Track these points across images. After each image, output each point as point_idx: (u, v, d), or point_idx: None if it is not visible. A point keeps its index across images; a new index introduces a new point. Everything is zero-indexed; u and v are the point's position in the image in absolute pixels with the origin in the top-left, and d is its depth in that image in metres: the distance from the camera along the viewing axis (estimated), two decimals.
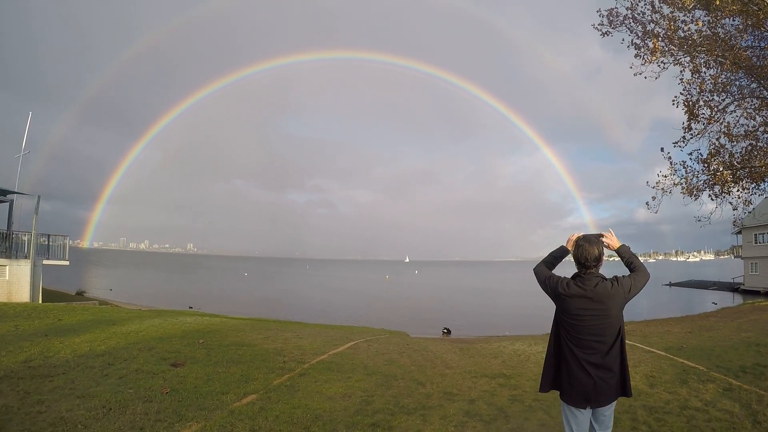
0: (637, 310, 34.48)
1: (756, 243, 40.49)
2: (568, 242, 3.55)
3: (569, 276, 3.39)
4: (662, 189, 16.67)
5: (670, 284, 59.15)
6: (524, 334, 19.94)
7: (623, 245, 3.45)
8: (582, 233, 3.47)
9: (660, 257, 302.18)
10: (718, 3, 12.98)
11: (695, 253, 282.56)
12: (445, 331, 22.33)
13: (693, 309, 32.76)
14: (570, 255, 3.54)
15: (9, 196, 21.42)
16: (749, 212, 16.99)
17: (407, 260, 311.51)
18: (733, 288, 45.50)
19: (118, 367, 6.89)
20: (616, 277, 3.24)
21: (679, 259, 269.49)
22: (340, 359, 8.07)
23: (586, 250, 3.26)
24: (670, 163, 16.46)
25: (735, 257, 47.20)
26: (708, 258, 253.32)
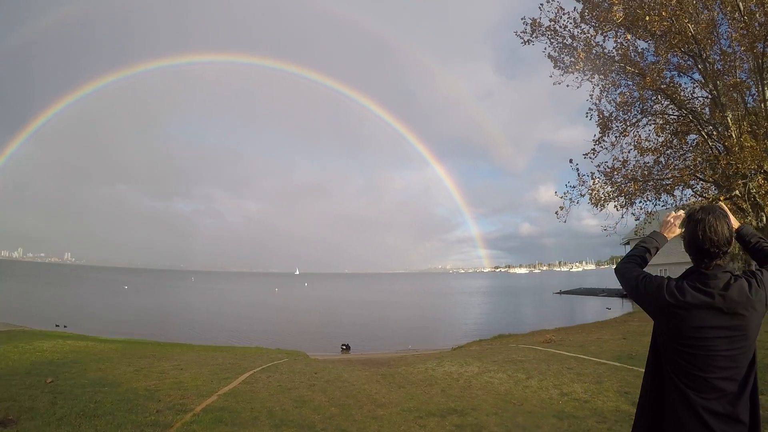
0: (526, 318, 35.74)
1: None
2: (663, 226, 2.22)
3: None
4: (570, 199, 17.04)
5: (561, 292, 62.78)
6: (429, 349, 19.24)
7: (744, 225, 2.12)
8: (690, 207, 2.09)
9: (544, 268, 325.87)
10: (648, 19, 13.17)
11: (578, 263, 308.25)
12: (344, 347, 21.10)
13: (590, 315, 34.49)
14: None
15: None
16: (649, 222, 17.79)
17: (297, 273, 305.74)
18: (622, 294, 48.99)
19: None
20: (752, 272, 1.86)
21: (562, 270, 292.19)
22: (234, 402, 6.11)
23: (712, 226, 1.88)
24: (578, 173, 16.79)
25: None
26: (590, 268, 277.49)
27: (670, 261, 40.69)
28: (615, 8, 13.41)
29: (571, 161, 17.19)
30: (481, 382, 7.27)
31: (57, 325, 27.10)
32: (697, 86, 15.91)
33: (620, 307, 38.18)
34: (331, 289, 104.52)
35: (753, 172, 14.39)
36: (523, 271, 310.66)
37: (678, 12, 13.23)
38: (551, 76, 16.23)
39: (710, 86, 14.96)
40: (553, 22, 15.21)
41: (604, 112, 16.81)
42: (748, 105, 15.67)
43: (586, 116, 17.14)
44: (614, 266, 2.22)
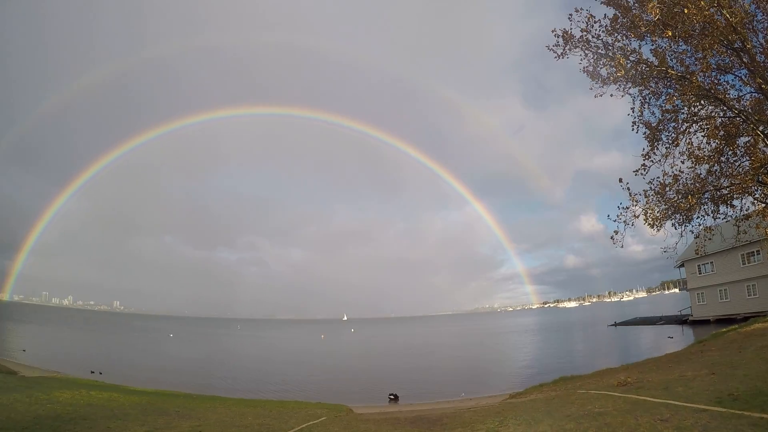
0: (585, 356, 33.17)
1: (700, 274, 40.96)
2: None
3: None
4: (624, 222, 15.69)
5: (616, 324, 59.05)
6: (483, 396, 17.57)
7: None
8: None
9: (594, 300, 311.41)
10: (686, 11, 12.25)
11: (627, 292, 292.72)
12: (392, 397, 19.76)
13: (652, 346, 32.03)
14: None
15: None
16: (709, 238, 16.31)
17: (345, 318, 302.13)
18: (681, 320, 45.63)
19: None
20: None
21: (612, 300, 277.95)
22: None
23: None
24: (630, 193, 15.62)
25: (681, 290, 47.75)
26: (641, 296, 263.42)
27: (727, 280, 38.54)
28: (650, 5, 12.53)
29: (620, 180, 16.04)
30: None
31: (92, 372, 26.93)
32: (742, 85, 14.80)
33: (681, 335, 35.37)
34: (379, 334, 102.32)
35: None
36: (573, 304, 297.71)
37: (716, 2, 12.32)
38: (591, 89, 15.53)
39: (758, 80, 13.77)
40: (584, 32, 14.61)
41: (651, 123, 15.76)
42: None
43: (632, 129, 16.24)
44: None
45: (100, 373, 26.22)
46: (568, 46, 14.90)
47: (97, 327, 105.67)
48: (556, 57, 15.14)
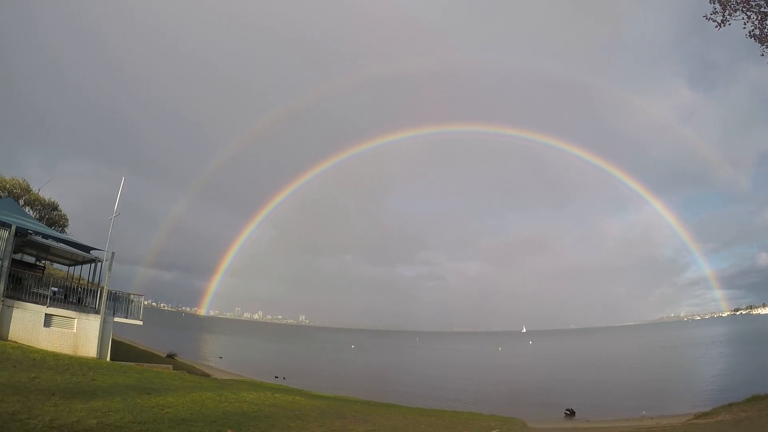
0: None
1: None
2: None
3: None
4: None
5: None
6: (665, 415, 16.23)
7: None
8: None
9: None
10: None
11: None
12: (568, 412, 19.22)
13: None
14: None
15: (93, 253, 22.25)
16: None
17: (524, 330, 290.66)
18: None
19: None
20: None
21: None
22: None
23: None
24: None
25: None
26: None
27: None
28: None
29: None
30: None
31: (276, 377, 29.70)
32: None
33: None
34: (557, 346, 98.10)
35: None
36: None
37: None
38: (762, 55, 13.74)
39: None
40: None
41: None
42: None
43: None
44: None
45: (284, 378, 29.07)
46: (727, 11, 13.39)
47: (283, 338, 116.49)
48: (716, 26, 13.71)
